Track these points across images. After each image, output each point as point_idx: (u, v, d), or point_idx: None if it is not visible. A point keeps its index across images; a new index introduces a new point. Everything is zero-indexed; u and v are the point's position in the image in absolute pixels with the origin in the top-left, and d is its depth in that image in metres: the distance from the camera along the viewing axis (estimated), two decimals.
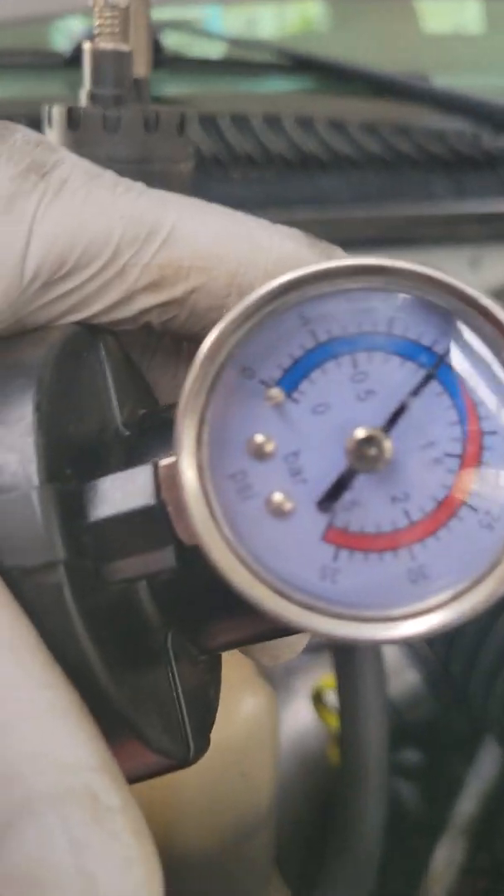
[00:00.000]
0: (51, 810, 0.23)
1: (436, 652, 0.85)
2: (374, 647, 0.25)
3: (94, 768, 0.24)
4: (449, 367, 0.25)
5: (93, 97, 0.50)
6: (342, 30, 1.93)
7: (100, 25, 0.49)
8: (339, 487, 0.25)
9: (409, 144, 1.26)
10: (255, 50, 1.54)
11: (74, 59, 1.39)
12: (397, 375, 0.25)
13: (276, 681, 0.79)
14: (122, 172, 0.49)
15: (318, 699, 0.81)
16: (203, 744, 0.32)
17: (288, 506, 0.25)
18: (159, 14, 1.49)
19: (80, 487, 0.26)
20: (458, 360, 0.25)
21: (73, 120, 0.49)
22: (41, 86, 1.38)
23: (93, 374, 0.30)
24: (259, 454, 0.25)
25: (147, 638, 0.29)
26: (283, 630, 0.28)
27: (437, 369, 0.25)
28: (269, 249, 0.30)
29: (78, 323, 0.29)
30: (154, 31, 1.41)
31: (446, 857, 0.85)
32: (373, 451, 0.25)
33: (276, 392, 0.25)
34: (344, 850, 0.66)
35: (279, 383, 0.26)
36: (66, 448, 0.26)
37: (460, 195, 1.24)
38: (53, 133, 0.50)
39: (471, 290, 0.25)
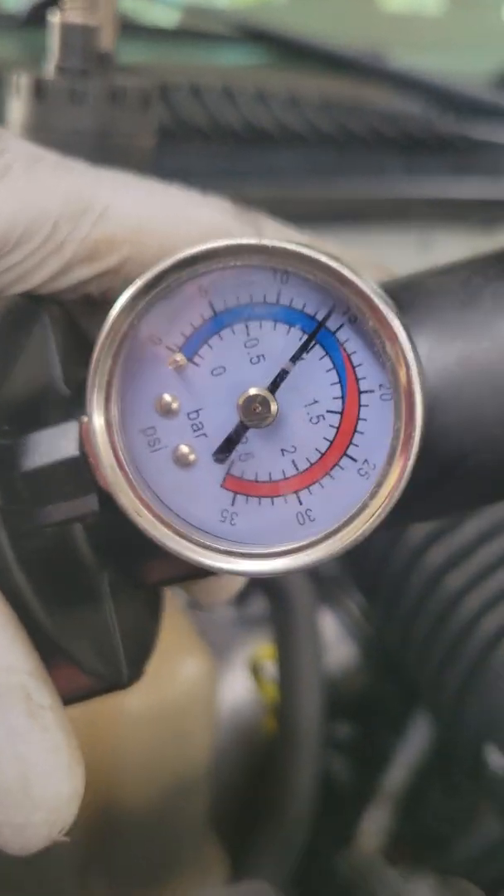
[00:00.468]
0: None
1: (372, 624, 0.88)
2: (265, 579, 0.28)
3: (28, 672, 0.28)
4: (329, 333, 0.28)
5: (60, 70, 0.50)
6: (300, 2, 1.92)
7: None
8: (231, 441, 0.28)
9: (363, 124, 1.26)
10: (212, 20, 1.53)
11: (30, 20, 1.37)
12: (283, 341, 0.28)
13: (215, 652, 0.81)
14: (85, 144, 0.50)
15: (255, 670, 0.82)
16: (137, 672, 0.35)
17: (192, 457, 0.29)
18: None
19: (15, 441, 0.29)
20: (335, 326, 0.28)
21: (41, 91, 0.49)
22: None
23: (36, 340, 0.32)
24: (166, 412, 0.29)
25: (85, 576, 0.32)
26: (204, 570, 0.30)
27: (317, 335, 0.28)
28: (198, 221, 0.32)
29: (23, 294, 0.32)
30: None
31: (374, 825, 0.88)
32: (259, 409, 0.28)
33: (179, 357, 0.29)
34: (276, 816, 0.68)
35: (182, 349, 0.29)
36: (4, 406, 0.29)
37: (411, 177, 1.25)
38: (20, 101, 0.51)
39: (337, 266, 0.27)
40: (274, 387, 0.28)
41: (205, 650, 0.63)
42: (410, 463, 0.27)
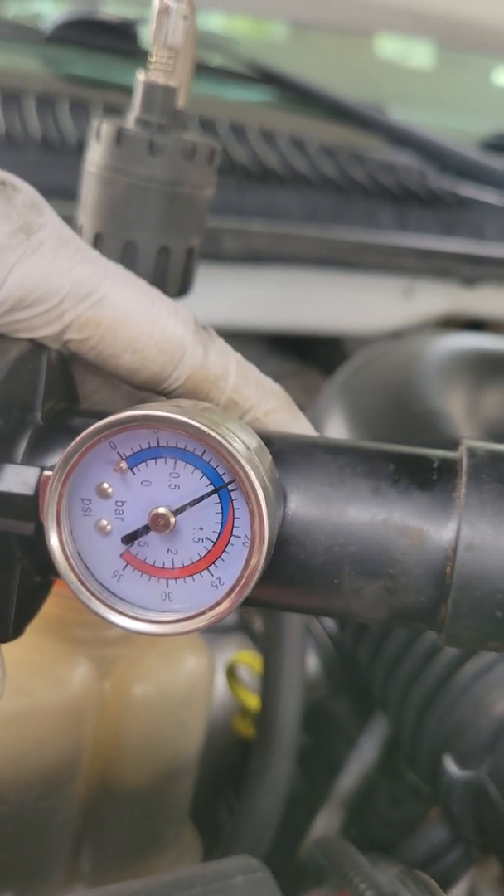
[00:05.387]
0: None
1: (338, 644, 0.94)
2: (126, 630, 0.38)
3: None
4: (227, 492, 0.37)
5: (140, 122, 0.56)
6: (298, 40, 1.99)
7: (155, 61, 0.56)
8: (136, 534, 0.38)
9: (362, 172, 1.33)
10: (223, 56, 1.60)
11: (53, 38, 1.43)
12: (196, 483, 0.37)
13: None
14: (156, 191, 0.56)
15: (230, 673, 0.89)
16: (19, 632, 0.43)
17: (107, 529, 0.38)
18: (139, 10, 1.54)
19: None
20: (233, 486, 0.37)
21: (122, 139, 0.56)
22: (19, 60, 1.42)
23: (30, 376, 0.40)
24: (102, 494, 0.38)
25: (6, 556, 0.41)
26: None
27: (219, 492, 0.37)
28: (163, 329, 0.40)
29: (29, 339, 0.40)
30: (133, 26, 1.46)
31: (324, 828, 0.94)
32: (162, 522, 0.37)
33: (123, 465, 0.37)
34: (251, 810, 0.74)
35: (127, 459, 0.37)
36: None
37: (402, 227, 1.31)
38: (100, 145, 0.57)
39: (217, 437, 0.36)
40: (177, 512, 0.37)
41: (206, 650, 0.69)
42: (248, 589, 0.37)
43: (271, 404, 0.43)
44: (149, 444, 0.37)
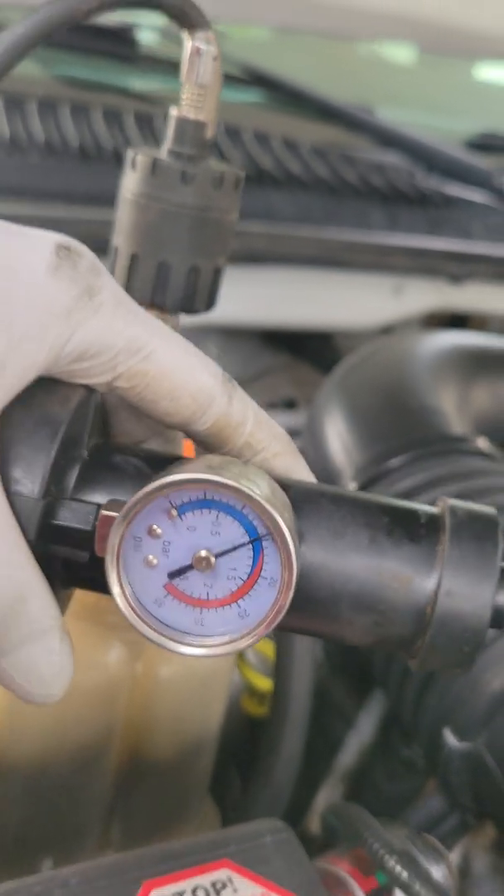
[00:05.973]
0: None
1: None
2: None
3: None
4: (259, 542, 0.43)
5: (173, 153, 0.62)
6: (282, 40, 2.02)
7: (186, 98, 0.61)
8: (180, 571, 0.43)
9: (353, 173, 1.37)
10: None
11: (49, 41, 1.47)
12: (235, 533, 0.43)
13: None
14: (187, 216, 0.61)
15: (240, 656, 0.94)
16: None
17: (154, 563, 0.43)
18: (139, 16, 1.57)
19: (48, 501, 0.43)
20: (264, 542, 0.43)
21: (156, 168, 0.61)
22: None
23: (82, 417, 0.46)
24: (152, 534, 0.43)
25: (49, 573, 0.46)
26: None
27: (253, 543, 0.43)
28: (198, 381, 0.46)
29: (83, 385, 0.45)
30: (130, 30, 1.49)
31: (325, 801, 1.00)
32: (204, 564, 0.42)
33: (174, 512, 0.42)
34: (266, 781, 0.80)
35: (177, 508, 0.42)
36: (56, 470, 0.43)
37: (392, 227, 1.36)
38: (135, 174, 0.62)
39: (252, 496, 0.42)
40: (218, 556, 0.43)
41: None
42: (275, 624, 0.43)
43: (279, 448, 0.48)
44: (197, 497, 0.43)
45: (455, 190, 1.44)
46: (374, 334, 1.44)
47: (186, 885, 0.54)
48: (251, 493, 0.41)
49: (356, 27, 1.70)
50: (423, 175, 1.45)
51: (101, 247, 1.11)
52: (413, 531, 0.45)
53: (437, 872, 0.62)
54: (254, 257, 1.25)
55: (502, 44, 1.70)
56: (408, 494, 0.89)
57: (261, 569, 0.43)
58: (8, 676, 0.42)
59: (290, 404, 1.36)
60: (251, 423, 0.47)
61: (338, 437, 1.01)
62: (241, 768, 0.98)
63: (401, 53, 2.07)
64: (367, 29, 1.71)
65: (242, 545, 0.43)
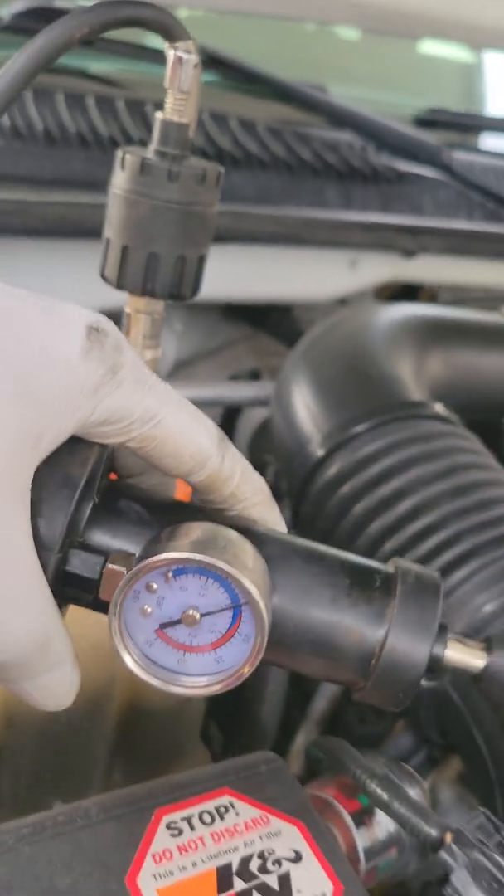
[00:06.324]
0: None
1: None
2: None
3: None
4: (239, 608, 0.50)
5: (159, 153, 0.67)
6: (225, 18, 2.04)
7: (171, 103, 0.67)
8: (170, 623, 0.50)
9: (308, 152, 1.43)
10: None
11: (10, 27, 1.50)
12: (220, 597, 0.50)
13: None
14: (174, 211, 0.67)
15: None
16: None
17: (148, 612, 0.50)
18: None
19: (67, 549, 0.50)
20: (243, 608, 0.51)
21: (144, 168, 0.67)
22: None
23: (97, 470, 0.52)
24: (149, 590, 0.49)
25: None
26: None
27: (234, 609, 0.50)
28: (198, 443, 0.52)
29: (98, 443, 0.51)
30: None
31: (302, 744, 1.07)
32: (191, 620, 0.50)
33: (169, 574, 0.49)
34: (252, 721, 0.87)
35: (173, 571, 0.49)
36: (72, 523, 0.50)
37: (347, 204, 1.41)
38: (124, 173, 0.68)
39: (228, 570, 0.49)
40: (203, 615, 0.49)
41: None
42: (246, 675, 0.50)
43: (259, 498, 0.55)
44: (191, 564, 0.50)
45: (406, 166, 1.49)
46: (331, 306, 1.51)
47: (194, 810, 0.61)
48: (238, 577, 0.48)
49: (304, 11, 1.74)
50: (374, 152, 1.50)
51: (68, 228, 1.17)
52: (368, 594, 0.53)
53: (414, 794, 0.69)
54: (218, 236, 1.29)
55: (445, 24, 1.75)
56: (373, 457, 0.95)
57: (238, 627, 0.50)
58: (29, 695, 0.51)
59: (254, 375, 1.42)
60: (238, 476, 0.54)
61: (305, 406, 1.06)
62: (222, 727, 1.04)
63: (348, 31, 2.11)
64: (314, 12, 1.76)
65: (225, 608, 0.50)
